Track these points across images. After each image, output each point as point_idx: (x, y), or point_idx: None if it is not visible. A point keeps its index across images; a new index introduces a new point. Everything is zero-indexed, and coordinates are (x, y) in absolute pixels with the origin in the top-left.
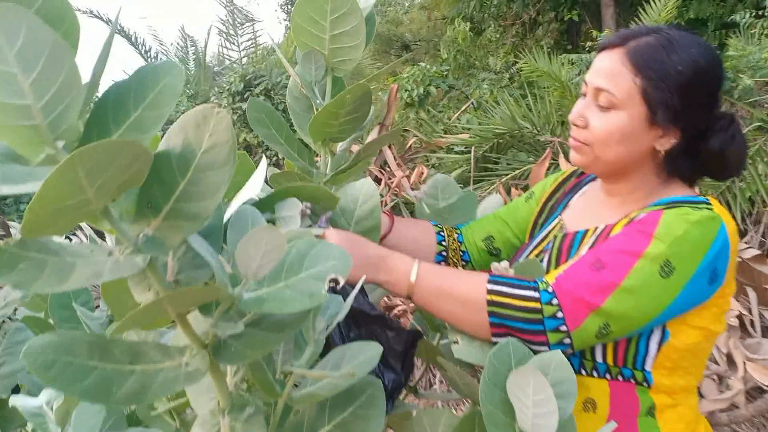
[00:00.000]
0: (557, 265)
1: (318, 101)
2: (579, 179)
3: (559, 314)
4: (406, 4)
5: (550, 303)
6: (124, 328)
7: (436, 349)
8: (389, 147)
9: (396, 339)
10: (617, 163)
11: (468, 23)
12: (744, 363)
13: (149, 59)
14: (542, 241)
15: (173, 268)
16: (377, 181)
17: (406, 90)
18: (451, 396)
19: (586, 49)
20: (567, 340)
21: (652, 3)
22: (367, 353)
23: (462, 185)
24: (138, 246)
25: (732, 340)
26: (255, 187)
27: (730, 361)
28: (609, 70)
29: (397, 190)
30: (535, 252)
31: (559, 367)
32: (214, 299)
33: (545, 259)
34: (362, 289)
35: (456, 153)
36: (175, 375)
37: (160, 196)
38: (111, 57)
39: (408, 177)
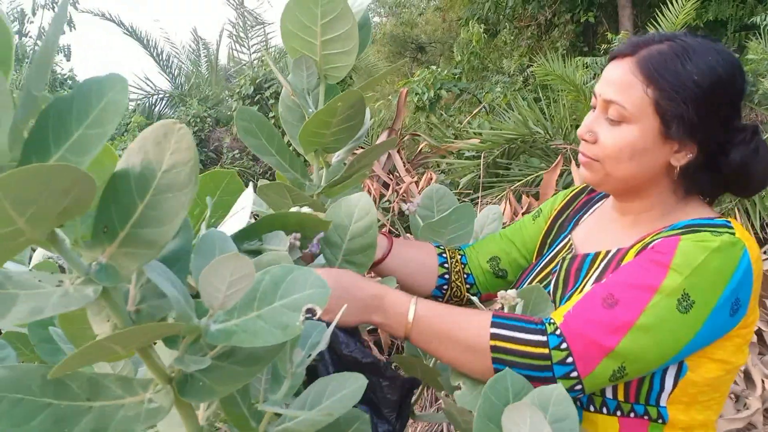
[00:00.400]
0: (564, 289)
1: (310, 110)
2: (590, 195)
3: (570, 359)
4: (422, 6)
5: (558, 348)
6: (64, 369)
7: (434, 371)
8: (398, 152)
9: (390, 388)
10: (630, 181)
11: (482, 25)
12: (762, 381)
13: (161, 62)
14: (550, 262)
15: (135, 297)
16: (385, 186)
17: (416, 94)
18: (445, 418)
19: (601, 52)
20: (578, 387)
21: (669, 5)
22: (350, 386)
23: (471, 191)
24: (90, 275)
25: (750, 357)
26: (242, 219)
27: (748, 378)
28: (619, 81)
29: (405, 196)
30: (543, 273)
31: (560, 402)
32: (172, 334)
33: (552, 282)
34: (355, 331)
35: (466, 158)
36: (135, 413)
37: (116, 221)
38: (124, 59)
39: (417, 182)
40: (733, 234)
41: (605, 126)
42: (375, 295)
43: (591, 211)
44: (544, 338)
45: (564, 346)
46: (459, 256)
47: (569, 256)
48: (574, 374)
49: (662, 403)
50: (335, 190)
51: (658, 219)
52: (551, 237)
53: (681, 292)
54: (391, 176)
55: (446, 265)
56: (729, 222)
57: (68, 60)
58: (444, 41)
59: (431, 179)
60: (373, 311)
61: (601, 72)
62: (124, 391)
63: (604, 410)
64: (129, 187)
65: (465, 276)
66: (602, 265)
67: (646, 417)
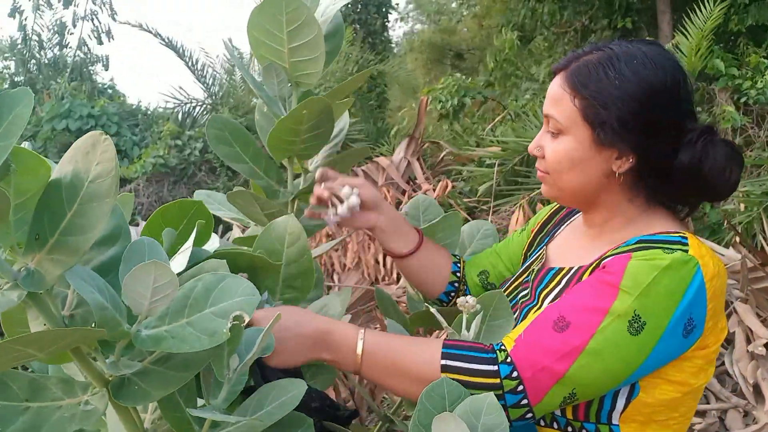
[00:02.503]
0: (529, 298)
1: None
2: (569, 210)
3: (520, 388)
4: (464, 12)
5: (509, 377)
6: None
7: None
8: (418, 160)
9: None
10: (578, 191)
11: (517, 32)
12: None
13: (196, 72)
14: (522, 273)
15: (71, 302)
16: (403, 193)
17: (440, 101)
18: None
19: None
20: (529, 415)
21: (698, 11)
22: (291, 391)
23: (490, 199)
24: (17, 281)
25: (760, 371)
26: (182, 261)
27: (757, 393)
28: (553, 96)
29: None
30: (515, 284)
31: (491, 412)
32: (96, 339)
33: (524, 295)
34: (299, 371)
35: (487, 166)
36: (71, 414)
37: (47, 228)
38: (160, 68)
39: (433, 190)
40: (687, 251)
41: (548, 140)
42: (321, 330)
43: (567, 224)
44: (495, 367)
45: (515, 374)
46: (464, 267)
47: (536, 268)
48: (525, 402)
49: (614, 421)
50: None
51: (619, 229)
52: (531, 250)
53: (632, 313)
54: (410, 184)
55: (458, 273)
56: (685, 238)
57: (107, 70)
58: (482, 48)
59: (447, 187)
60: (321, 348)
61: None
62: (64, 393)
63: (555, 425)
64: (60, 195)
65: (465, 287)
66: (563, 282)
67: None
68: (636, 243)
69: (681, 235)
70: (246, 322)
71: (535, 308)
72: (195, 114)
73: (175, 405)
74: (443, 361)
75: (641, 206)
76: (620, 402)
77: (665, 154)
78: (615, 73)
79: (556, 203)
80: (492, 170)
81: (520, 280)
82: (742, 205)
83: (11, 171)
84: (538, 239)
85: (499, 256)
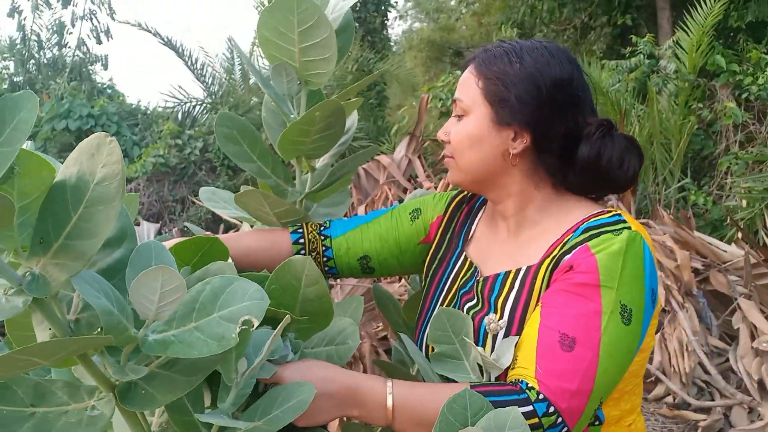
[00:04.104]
0: (481, 311)
1: (292, 116)
2: (470, 204)
3: (559, 420)
4: (463, 10)
5: (547, 413)
6: None
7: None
8: (419, 158)
9: None
10: (476, 171)
11: (517, 29)
12: None
13: (196, 71)
14: (454, 282)
15: (77, 306)
16: (405, 191)
17: (440, 99)
18: None
19: (626, 55)
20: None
21: (699, 7)
22: (299, 396)
23: None
24: (21, 286)
25: (764, 367)
26: None
27: (762, 388)
28: (461, 81)
29: None
30: (450, 295)
31: (516, 426)
32: (103, 345)
33: (471, 306)
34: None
35: None
36: (77, 419)
37: (52, 232)
38: (159, 68)
39: (435, 187)
40: (630, 228)
41: (454, 124)
42: (348, 386)
43: (476, 221)
44: (531, 408)
45: (552, 410)
46: (322, 238)
47: (481, 279)
48: (565, 429)
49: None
50: (320, 195)
51: (537, 220)
52: (440, 253)
53: (619, 305)
54: (411, 182)
55: (301, 240)
56: (620, 215)
57: (106, 69)
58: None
59: (449, 185)
60: (349, 406)
61: (630, 71)
62: (70, 397)
63: None
64: (65, 199)
65: (324, 249)
66: (516, 285)
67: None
68: (583, 232)
69: (615, 213)
70: (255, 326)
71: (498, 318)
72: (195, 113)
73: (182, 409)
74: None
75: (550, 194)
76: None
77: (560, 136)
78: (516, 59)
79: (451, 199)
80: None
81: (454, 289)
82: (744, 202)
83: (14, 173)
84: (446, 242)
85: (386, 241)
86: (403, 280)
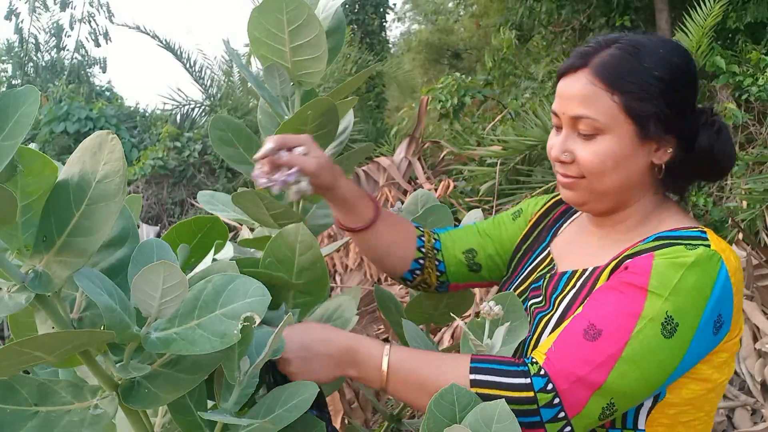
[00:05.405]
0: (545, 304)
1: (286, 117)
2: (567, 206)
3: (556, 400)
4: (461, 12)
5: (544, 390)
6: None
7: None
8: (419, 159)
9: None
10: (616, 192)
11: (515, 31)
12: None
13: (194, 73)
14: (530, 275)
15: (80, 304)
16: (405, 194)
17: (440, 101)
18: None
19: None
20: (567, 428)
21: (698, 8)
22: (301, 395)
23: (492, 198)
24: (24, 283)
25: (767, 369)
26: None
27: (765, 389)
28: (581, 95)
29: None
30: (523, 287)
31: (504, 420)
32: (102, 343)
33: (539, 299)
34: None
35: (488, 165)
36: (80, 418)
37: (55, 230)
38: (156, 71)
39: (435, 190)
40: (709, 246)
41: (579, 143)
42: (347, 347)
43: (569, 221)
44: (528, 380)
45: (550, 387)
46: (434, 241)
47: (549, 274)
48: (562, 415)
49: (640, 425)
50: (317, 197)
51: (633, 228)
52: (528, 243)
53: (664, 315)
54: (411, 184)
55: (423, 249)
56: (705, 233)
57: (104, 72)
58: (480, 47)
59: (449, 186)
60: (346, 365)
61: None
62: (73, 396)
63: None
64: (68, 196)
65: (437, 263)
66: (578, 284)
67: None
68: (654, 240)
69: (699, 229)
70: (257, 323)
71: (550, 314)
72: (193, 116)
73: (185, 408)
74: (472, 376)
75: (658, 199)
76: (647, 403)
77: (696, 138)
78: (649, 62)
79: (552, 197)
80: (493, 169)
81: (528, 283)
82: (744, 203)
83: (18, 172)
84: (536, 233)
85: (489, 237)
86: None
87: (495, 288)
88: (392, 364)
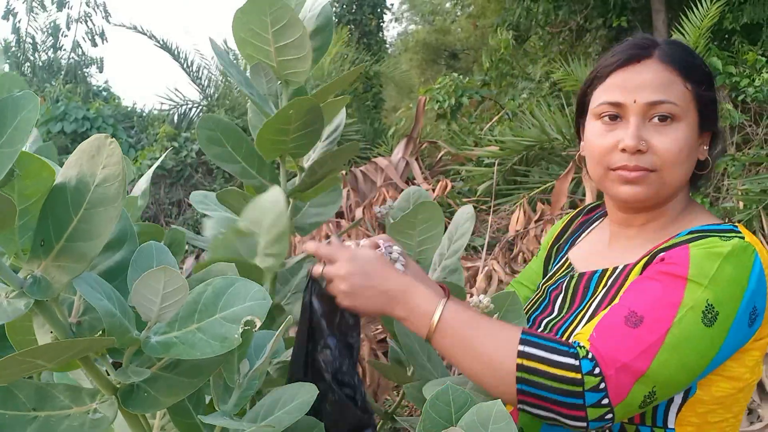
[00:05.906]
0: (570, 308)
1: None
2: (588, 216)
3: (602, 386)
4: (458, 13)
5: (592, 373)
6: None
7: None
8: (416, 160)
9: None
10: (679, 186)
11: (512, 31)
12: None
13: (192, 73)
14: (547, 281)
15: (78, 308)
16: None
17: (437, 101)
18: None
19: None
20: (609, 416)
21: (695, 9)
22: (301, 397)
23: (489, 198)
24: (23, 289)
25: (765, 368)
26: None
27: (762, 390)
28: (658, 81)
29: None
30: (539, 293)
31: (500, 420)
32: (102, 349)
33: (558, 300)
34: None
35: (485, 165)
36: (80, 423)
37: (53, 235)
38: (153, 71)
39: (432, 190)
40: (743, 238)
41: (652, 131)
42: (401, 288)
43: (589, 230)
44: (577, 362)
45: (597, 371)
46: None
47: (576, 274)
48: (606, 401)
49: (670, 424)
50: (308, 195)
51: (662, 228)
52: (551, 262)
53: (704, 303)
54: (408, 184)
55: None
56: (737, 227)
57: (101, 72)
58: (477, 48)
59: (446, 187)
60: (396, 305)
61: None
62: (72, 401)
63: (608, 430)
64: (66, 200)
65: None
66: (610, 281)
67: None
68: (688, 234)
69: (731, 224)
70: (258, 326)
71: (584, 310)
72: (191, 116)
73: (185, 411)
74: (521, 347)
75: (686, 200)
76: (677, 399)
77: (718, 137)
78: (699, 60)
79: (567, 215)
80: (491, 170)
81: (544, 287)
82: (741, 203)
83: (14, 176)
84: (555, 250)
85: (524, 285)
86: None
87: (494, 287)
88: (444, 317)
